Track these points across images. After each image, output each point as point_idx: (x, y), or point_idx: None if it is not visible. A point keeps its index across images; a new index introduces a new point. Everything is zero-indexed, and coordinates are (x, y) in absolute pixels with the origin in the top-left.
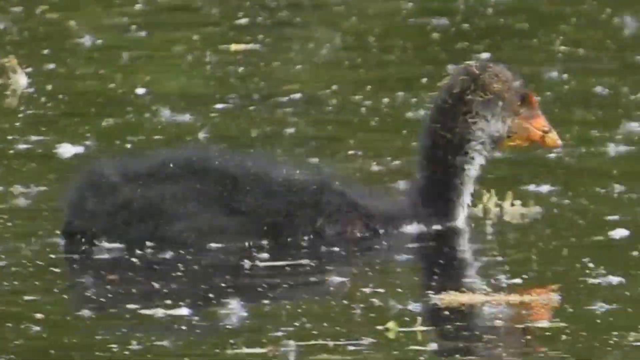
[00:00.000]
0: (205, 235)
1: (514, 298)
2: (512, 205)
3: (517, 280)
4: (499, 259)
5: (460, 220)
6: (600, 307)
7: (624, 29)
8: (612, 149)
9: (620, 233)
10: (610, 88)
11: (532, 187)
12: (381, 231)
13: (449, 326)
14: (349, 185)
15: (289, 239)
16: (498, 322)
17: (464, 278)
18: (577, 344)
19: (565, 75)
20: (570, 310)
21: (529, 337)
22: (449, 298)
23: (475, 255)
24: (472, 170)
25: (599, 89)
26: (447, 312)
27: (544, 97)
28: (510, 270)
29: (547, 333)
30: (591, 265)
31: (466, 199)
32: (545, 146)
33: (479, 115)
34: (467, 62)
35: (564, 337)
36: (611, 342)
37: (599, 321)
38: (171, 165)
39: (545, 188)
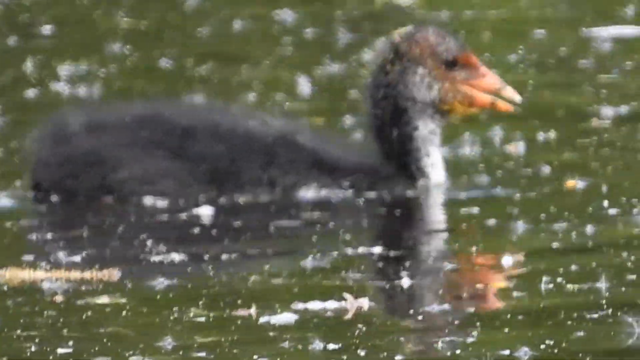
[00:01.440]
0: (148, 182)
1: (75, 274)
2: None
3: (77, 258)
4: (58, 235)
5: (421, 186)
6: (160, 282)
7: None
8: None
9: (204, 211)
10: None
11: None
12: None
13: (9, 302)
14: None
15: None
16: (59, 298)
17: (25, 254)
18: (137, 319)
19: None
20: (130, 286)
21: (89, 312)
22: (10, 274)
23: (38, 232)
24: (422, 136)
25: None
26: (6, 288)
27: None
28: (69, 247)
29: (108, 309)
30: (151, 243)
31: (426, 163)
32: (499, 110)
33: (401, 84)
34: (395, 30)
35: (124, 312)
36: (172, 317)
37: (159, 297)
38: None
39: None
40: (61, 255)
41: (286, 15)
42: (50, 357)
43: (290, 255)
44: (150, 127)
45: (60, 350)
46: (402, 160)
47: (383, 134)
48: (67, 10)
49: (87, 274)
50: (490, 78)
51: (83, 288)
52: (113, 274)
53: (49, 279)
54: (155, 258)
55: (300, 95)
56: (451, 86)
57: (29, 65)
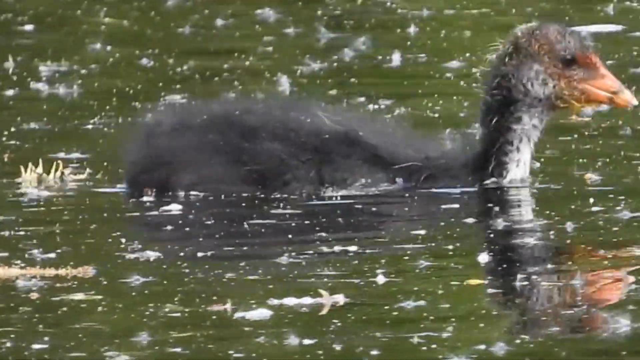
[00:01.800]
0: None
1: (49, 271)
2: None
3: (52, 255)
4: (31, 232)
5: (506, 179)
6: (136, 280)
7: None
8: None
9: (174, 208)
10: None
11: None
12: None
13: None
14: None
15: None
16: (34, 295)
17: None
18: (113, 315)
19: None
20: (105, 283)
21: (65, 309)
22: None
23: (12, 229)
24: (522, 130)
25: None
26: None
27: None
28: (43, 244)
29: (83, 305)
30: (125, 240)
31: (517, 158)
32: (617, 106)
33: (515, 77)
34: (522, 25)
35: (99, 308)
36: (147, 313)
37: (134, 294)
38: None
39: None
40: (35, 252)
41: (267, 14)
42: (26, 353)
43: (265, 252)
44: (218, 129)
45: (35, 346)
46: (488, 152)
47: (485, 122)
48: (49, 9)
49: (62, 271)
50: (609, 80)
51: (58, 285)
52: (87, 270)
53: (24, 276)
54: (130, 255)
55: (279, 94)
56: (567, 84)
57: (10, 64)
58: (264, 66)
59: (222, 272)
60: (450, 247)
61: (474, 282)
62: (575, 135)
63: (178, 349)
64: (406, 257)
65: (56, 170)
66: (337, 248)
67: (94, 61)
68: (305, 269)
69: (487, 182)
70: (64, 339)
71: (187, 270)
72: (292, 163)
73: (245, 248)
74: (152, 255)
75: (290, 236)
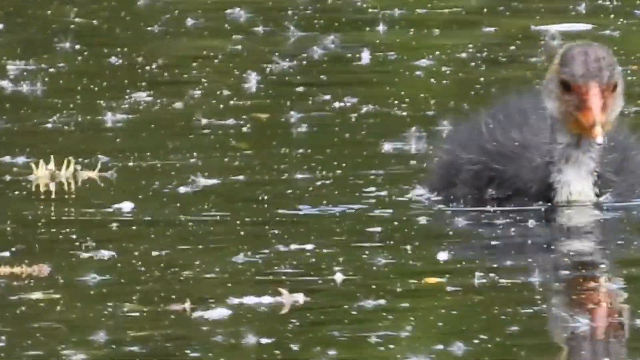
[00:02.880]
0: None
1: (5, 270)
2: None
3: (6, 253)
4: None
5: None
6: (92, 278)
7: None
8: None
9: (125, 207)
10: None
11: None
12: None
13: None
14: None
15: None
16: None
17: None
18: (71, 314)
19: None
20: (62, 281)
21: (23, 307)
22: None
23: None
24: (558, 150)
25: None
26: None
27: None
28: None
29: (41, 304)
30: (77, 238)
31: (555, 180)
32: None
33: (543, 92)
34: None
35: (57, 307)
36: (105, 312)
37: (92, 292)
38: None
39: None
40: None
41: (238, 14)
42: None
43: (221, 251)
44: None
45: None
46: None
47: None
48: (19, 9)
49: (17, 269)
50: (590, 114)
51: (14, 283)
52: (43, 269)
53: None
54: (85, 254)
55: (246, 92)
56: (564, 107)
57: None
58: (233, 64)
59: (179, 270)
60: (409, 246)
61: (432, 280)
62: None
63: (135, 348)
64: (364, 256)
65: (67, 166)
66: (293, 246)
67: (63, 60)
68: (262, 268)
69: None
70: (22, 337)
71: (143, 269)
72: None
73: (200, 247)
74: (106, 253)
75: (243, 233)
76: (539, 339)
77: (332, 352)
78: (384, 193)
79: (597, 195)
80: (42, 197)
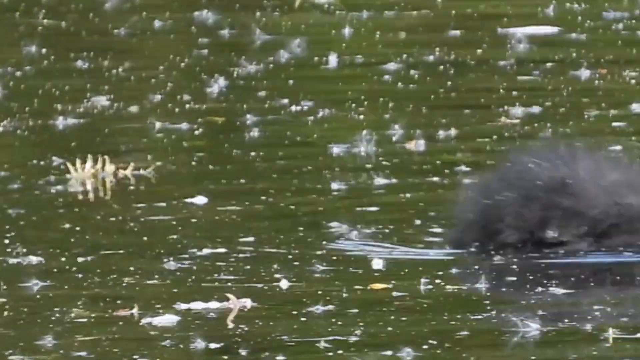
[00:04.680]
0: None
1: None
2: None
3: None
4: None
5: None
6: (35, 284)
7: None
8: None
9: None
10: None
11: None
12: None
13: None
14: None
15: None
16: None
17: None
18: (18, 319)
19: None
20: (5, 287)
21: None
22: None
23: None
24: None
25: None
26: None
27: None
28: None
29: None
30: (10, 243)
31: None
32: None
33: None
34: None
35: (5, 312)
36: (53, 317)
37: (39, 297)
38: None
39: None
40: None
41: (205, 16)
42: None
43: (162, 256)
44: None
45: None
46: None
47: None
48: None
49: None
50: None
51: None
52: None
53: None
54: (21, 259)
55: (207, 96)
56: None
57: None
58: (200, 67)
59: (119, 276)
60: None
61: (378, 286)
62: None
63: (83, 353)
64: (303, 261)
65: (103, 166)
66: (233, 252)
67: (29, 62)
68: (203, 274)
69: None
70: None
71: (80, 275)
72: None
73: (131, 250)
74: (34, 259)
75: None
76: (489, 344)
77: (280, 358)
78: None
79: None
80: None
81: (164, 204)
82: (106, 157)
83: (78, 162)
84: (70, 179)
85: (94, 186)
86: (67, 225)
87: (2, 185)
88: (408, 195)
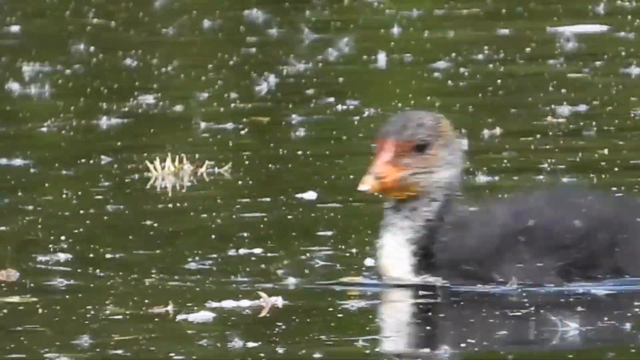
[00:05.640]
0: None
1: None
2: None
3: None
4: None
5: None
6: (60, 282)
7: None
8: None
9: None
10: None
11: None
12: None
13: None
14: None
15: None
16: None
17: None
18: (53, 317)
19: None
20: (33, 285)
21: (5, 310)
22: None
23: None
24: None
25: None
26: None
27: None
28: None
29: (21, 307)
30: (40, 243)
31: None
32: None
33: None
34: None
35: (40, 310)
36: (88, 315)
37: (67, 296)
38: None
39: None
40: None
41: (255, 15)
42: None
43: (178, 257)
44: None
45: None
46: None
47: None
48: (38, 10)
49: None
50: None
51: None
52: (11, 274)
53: None
54: (48, 257)
55: (254, 95)
56: None
57: None
58: (249, 66)
59: (141, 276)
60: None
61: None
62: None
63: (120, 351)
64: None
65: (180, 163)
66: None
67: (78, 61)
68: (222, 275)
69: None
70: (4, 341)
71: (102, 274)
72: None
73: (158, 251)
74: (68, 257)
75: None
76: (528, 343)
77: (317, 355)
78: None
79: (418, 272)
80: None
81: (268, 199)
82: (184, 155)
83: (157, 160)
84: (151, 177)
85: (179, 184)
86: (169, 227)
87: (68, 184)
88: None
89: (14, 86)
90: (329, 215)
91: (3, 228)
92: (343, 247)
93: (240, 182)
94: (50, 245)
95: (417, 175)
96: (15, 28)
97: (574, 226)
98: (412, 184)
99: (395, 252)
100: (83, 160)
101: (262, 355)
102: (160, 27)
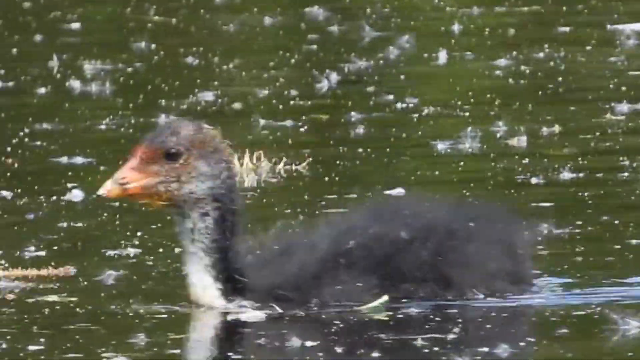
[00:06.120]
0: None
1: (32, 272)
2: None
3: (42, 253)
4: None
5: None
6: (108, 275)
7: None
8: None
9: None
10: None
11: None
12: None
13: None
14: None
15: None
16: (10, 296)
17: None
18: (107, 316)
19: None
20: (86, 283)
21: (57, 307)
22: None
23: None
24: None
25: None
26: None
27: None
28: (37, 243)
29: (57, 307)
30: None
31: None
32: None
33: None
34: None
35: (78, 309)
36: (142, 313)
37: (114, 292)
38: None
39: None
40: (12, 254)
41: (316, 12)
42: (21, 355)
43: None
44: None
45: (31, 348)
46: None
47: None
48: (98, 7)
49: (44, 272)
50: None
51: (42, 286)
52: (69, 270)
53: (6, 278)
54: (112, 253)
55: (315, 93)
56: None
57: (54, 62)
58: (310, 64)
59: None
60: None
61: None
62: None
63: (177, 351)
64: None
65: (258, 159)
66: None
67: (139, 59)
68: None
69: None
70: (60, 340)
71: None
72: None
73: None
74: (131, 251)
75: None
76: (588, 341)
77: (375, 355)
78: None
79: (227, 299)
80: None
81: (354, 195)
82: (261, 152)
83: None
84: None
85: (260, 180)
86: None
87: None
88: None
89: (75, 84)
90: None
91: (65, 225)
92: None
93: (326, 179)
94: (117, 242)
95: (166, 184)
96: (75, 25)
97: (398, 239)
98: (162, 193)
99: (199, 279)
100: None
101: (320, 354)
102: (221, 24)
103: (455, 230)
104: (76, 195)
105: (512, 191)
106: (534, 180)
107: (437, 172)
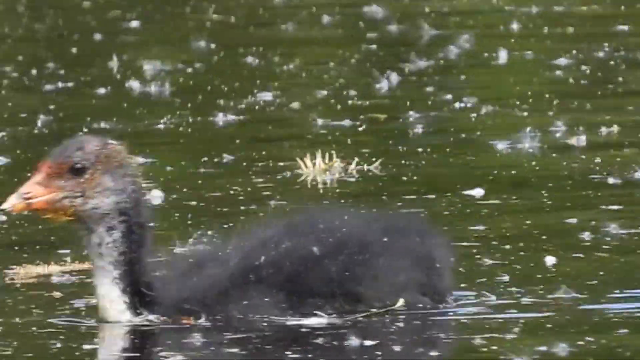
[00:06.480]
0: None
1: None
2: None
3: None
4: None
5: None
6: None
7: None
8: None
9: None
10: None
11: None
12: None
13: (21, 297)
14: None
15: None
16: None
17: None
18: None
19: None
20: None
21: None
22: (24, 271)
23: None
24: None
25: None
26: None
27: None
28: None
29: None
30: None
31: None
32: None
33: None
34: None
35: None
36: None
37: None
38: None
39: None
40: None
41: (375, 10)
42: (77, 354)
43: None
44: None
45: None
46: None
47: None
48: (158, 5)
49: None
50: None
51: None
52: None
53: (64, 272)
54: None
55: (374, 92)
56: None
57: (114, 63)
58: (370, 63)
59: None
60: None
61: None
62: None
63: (235, 350)
64: None
65: (330, 160)
66: None
67: (198, 59)
68: None
69: None
70: None
71: None
72: None
73: None
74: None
75: None
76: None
77: (433, 354)
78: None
79: (135, 312)
80: None
81: (433, 196)
82: (333, 152)
83: (307, 157)
84: (302, 174)
85: (333, 180)
86: None
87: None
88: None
89: (134, 84)
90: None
91: None
92: None
93: (404, 178)
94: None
95: (71, 199)
96: (135, 24)
97: (308, 254)
98: (67, 207)
99: (107, 292)
100: (206, 159)
101: (378, 353)
102: (279, 23)
103: (367, 243)
104: None
105: (589, 192)
106: (610, 181)
107: (513, 172)
